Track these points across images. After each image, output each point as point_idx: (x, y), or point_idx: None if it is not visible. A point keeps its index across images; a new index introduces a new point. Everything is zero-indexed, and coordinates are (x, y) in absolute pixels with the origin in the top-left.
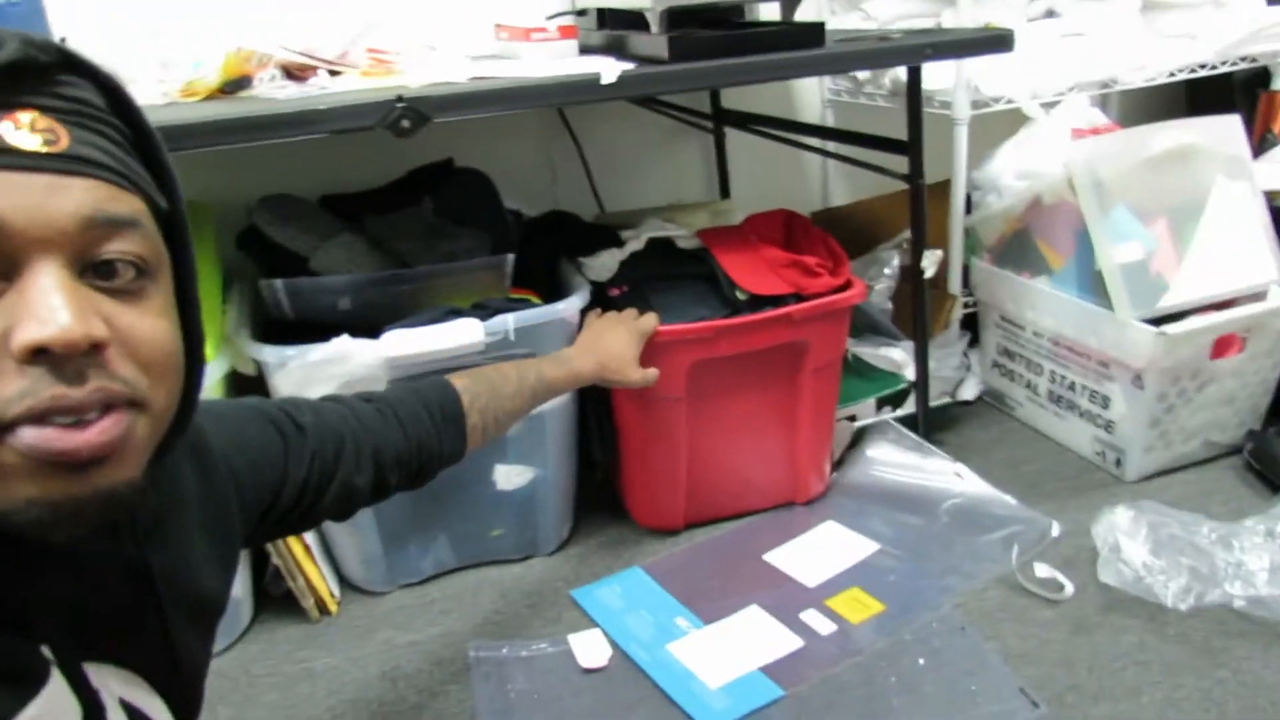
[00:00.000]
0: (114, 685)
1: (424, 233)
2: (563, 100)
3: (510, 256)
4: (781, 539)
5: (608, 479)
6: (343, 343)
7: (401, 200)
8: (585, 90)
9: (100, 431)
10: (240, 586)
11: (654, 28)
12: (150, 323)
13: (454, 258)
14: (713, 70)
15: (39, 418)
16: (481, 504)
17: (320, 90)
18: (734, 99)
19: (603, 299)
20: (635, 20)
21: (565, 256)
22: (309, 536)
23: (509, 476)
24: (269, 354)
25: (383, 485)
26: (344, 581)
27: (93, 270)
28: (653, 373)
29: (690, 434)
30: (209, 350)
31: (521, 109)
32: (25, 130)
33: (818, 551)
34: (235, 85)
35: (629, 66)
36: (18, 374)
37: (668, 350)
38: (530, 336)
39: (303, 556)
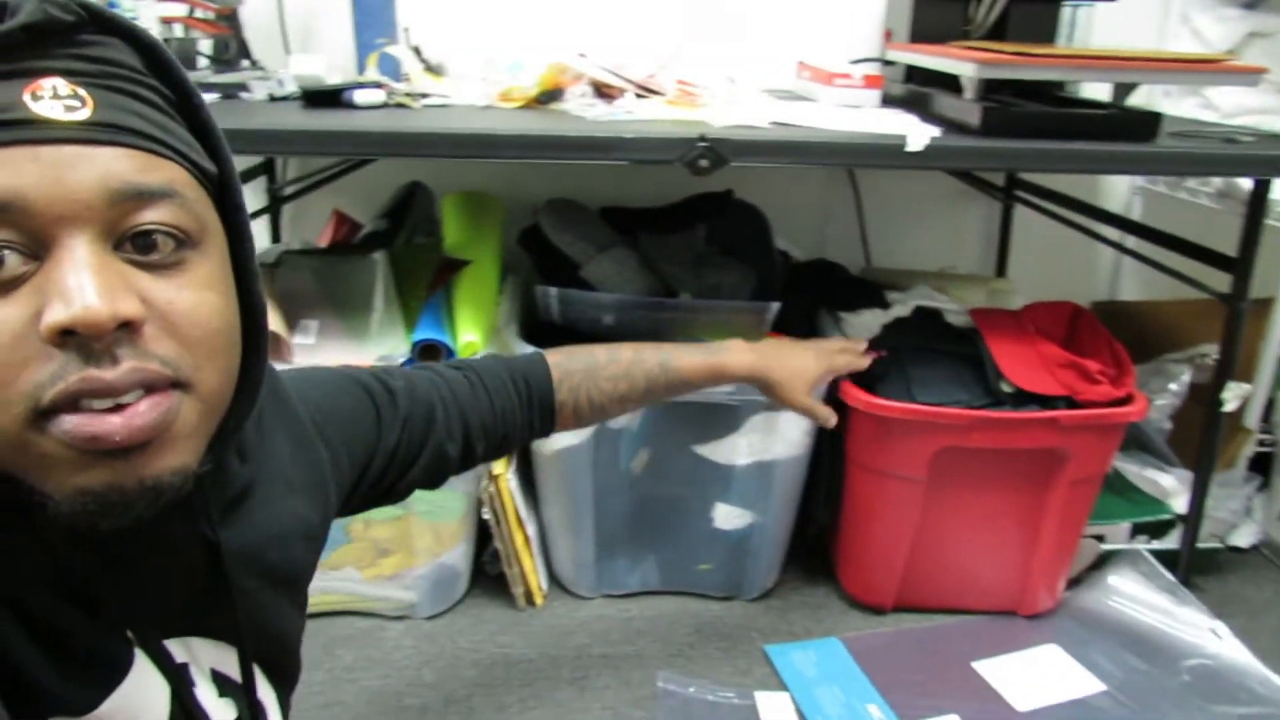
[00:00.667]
0: (203, 656)
1: (693, 260)
2: (862, 162)
3: (775, 306)
4: (995, 649)
5: (821, 539)
6: None
7: (677, 224)
8: (887, 155)
9: (137, 415)
10: (460, 560)
11: (968, 94)
12: (192, 296)
13: (719, 290)
14: (1027, 153)
15: (73, 403)
16: (696, 536)
17: (626, 114)
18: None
19: None
20: (946, 81)
21: (827, 308)
22: (530, 529)
23: (728, 516)
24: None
25: (470, 454)
26: (553, 578)
27: (130, 242)
28: (827, 411)
29: (921, 518)
30: (479, 339)
31: (819, 165)
32: (47, 98)
33: (1034, 674)
34: (549, 96)
35: (935, 132)
36: (49, 357)
37: (916, 430)
38: None
39: (522, 545)
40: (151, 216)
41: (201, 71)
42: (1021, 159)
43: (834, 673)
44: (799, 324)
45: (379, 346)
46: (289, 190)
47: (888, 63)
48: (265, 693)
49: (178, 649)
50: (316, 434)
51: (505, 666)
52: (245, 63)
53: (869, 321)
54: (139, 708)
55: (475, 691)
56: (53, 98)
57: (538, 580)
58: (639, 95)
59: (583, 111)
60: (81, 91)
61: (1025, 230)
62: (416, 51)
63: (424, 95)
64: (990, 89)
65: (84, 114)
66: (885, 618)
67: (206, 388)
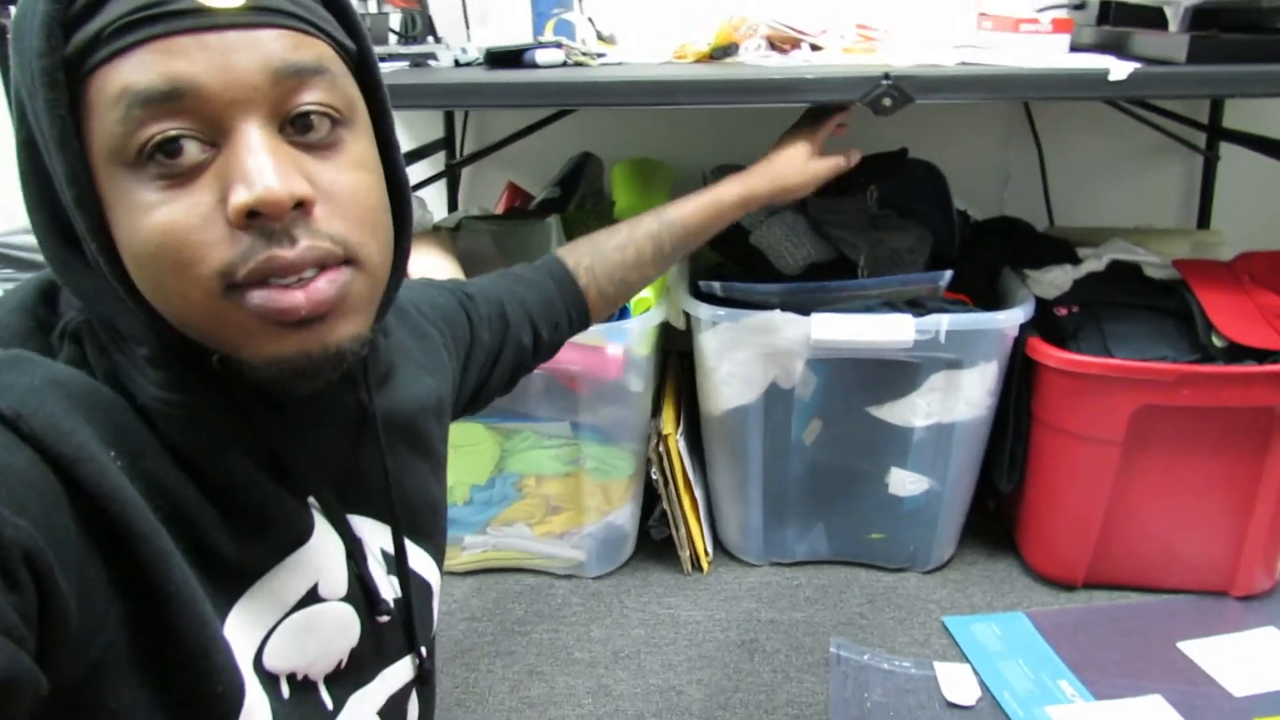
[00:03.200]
0: (369, 537)
1: (866, 222)
2: (1060, 94)
3: (948, 275)
4: (1203, 630)
5: (1002, 509)
6: (775, 315)
7: (849, 186)
8: (1087, 85)
9: (317, 290)
10: (628, 521)
11: (1172, 25)
12: (351, 176)
13: (896, 254)
14: (1242, 76)
15: (261, 280)
16: (868, 503)
17: (803, 63)
18: (1241, 116)
19: (1048, 317)
20: (1147, 17)
21: (1010, 267)
22: (698, 492)
23: (903, 482)
24: (704, 311)
25: (539, 343)
26: (718, 544)
27: (290, 125)
28: (846, 157)
29: (1117, 485)
30: (651, 296)
31: (1013, 99)
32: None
33: (1250, 657)
34: (723, 52)
35: (1137, 66)
36: (235, 239)
37: (1112, 387)
38: (962, 342)
39: (689, 509)
40: (309, 97)
41: (390, 45)
42: (1233, 83)
43: (1020, 647)
44: (980, 284)
45: None
46: (466, 163)
47: (1078, 6)
48: (426, 568)
49: (352, 524)
50: (427, 323)
51: (673, 626)
52: (430, 37)
53: (1058, 278)
54: (320, 570)
55: (642, 649)
56: None
57: (704, 544)
58: (814, 49)
59: (758, 63)
60: None
61: (1234, 182)
62: (590, 21)
63: (600, 54)
64: (1197, 23)
65: (241, 0)
66: (1075, 594)
67: (372, 262)
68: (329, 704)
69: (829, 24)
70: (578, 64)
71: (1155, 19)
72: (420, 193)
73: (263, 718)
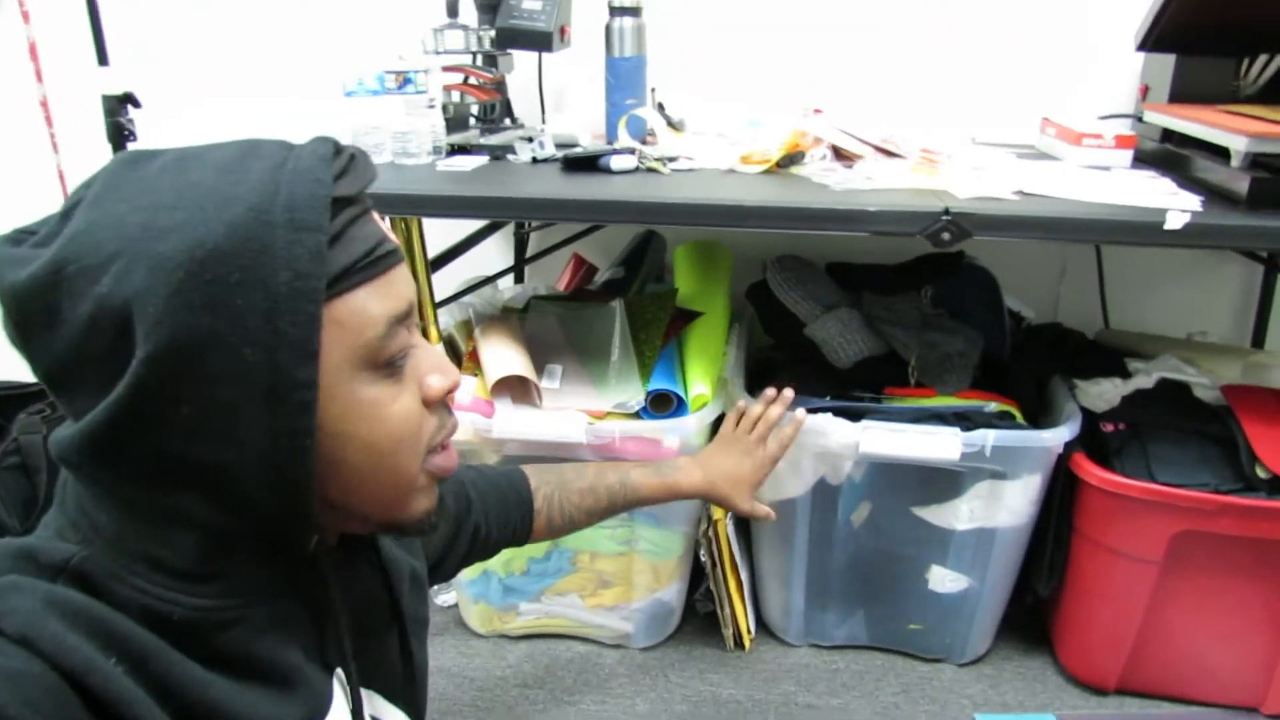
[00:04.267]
0: (380, 712)
1: (919, 322)
2: (1114, 239)
3: (993, 405)
4: None
5: (1039, 607)
6: (825, 420)
7: (903, 283)
8: (1142, 233)
9: (455, 450)
10: (675, 598)
11: (1235, 163)
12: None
13: (947, 358)
14: None
15: (441, 444)
16: (909, 595)
17: (867, 180)
18: None
19: (1094, 432)
20: (1209, 145)
21: (1060, 375)
22: (743, 572)
23: (943, 580)
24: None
25: (487, 539)
26: (761, 622)
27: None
28: (765, 510)
29: (1154, 600)
30: (709, 391)
31: (1067, 240)
32: (387, 229)
33: None
34: (789, 160)
35: (1196, 204)
36: (431, 415)
37: (1152, 510)
38: (1007, 457)
39: (734, 589)
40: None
41: (470, 131)
42: None
43: None
44: (1028, 388)
45: (616, 394)
46: (534, 237)
47: (1140, 119)
48: None
49: (365, 700)
50: None
51: (714, 706)
52: (508, 121)
53: (1107, 392)
54: None
55: None
56: (388, 229)
57: (747, 623)
58: (880, 154)
59: (824, 178)
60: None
61: None
62: (660, 108)
63: (672, 159)
64: (1258, 158)
65: (396, 241)
66: (1106, 699)
67: None
68: None
69: (895, 134)
70: (650, 169)
71: (1217, 147)
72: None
73: None
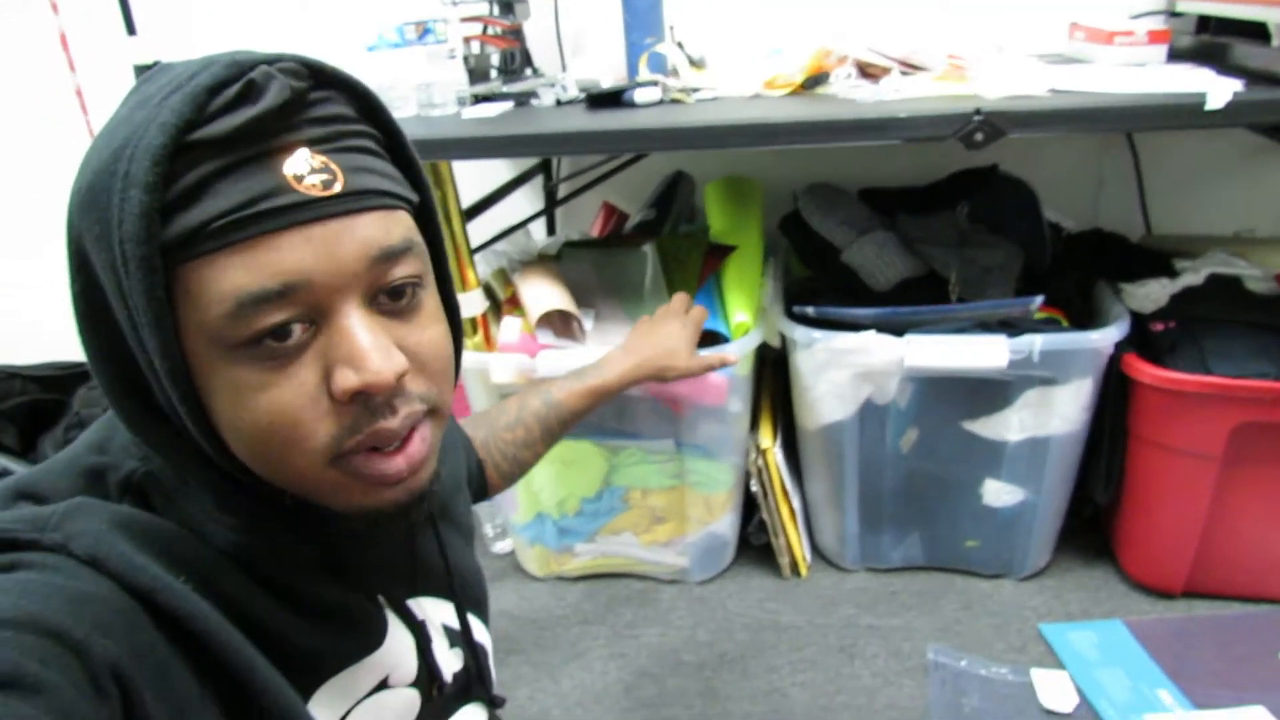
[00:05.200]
0: (432, 613)
1: (956, 239)
2: (1154, 124)
3: (1038, 300)
4: None
5: (1098, 516)
6: (868, 337)
7: (938, 202)
8: (1183, 115)
9: (413, 454)
10: (728, 530)
11: (1276, 39)
12: (431, 333)
13: (986, 272)
14: None
15: (363, 449)
16: (963, 513)
17: (894, 92)
18: None
19: (1144, 333)
20: (1248, 28)
21: (1104, 280)
22: (795, 500)
23: (998, 493)
24: (799, 334)
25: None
26: (816, 550)
27: (384, 295)
28: (711, 358)
29: (1216, 497)
30: (750, 319)
31: (1104, 132)
32: (306, 175)
33: None
34: (814, 81)
35: (1238, 85)
36: (340, 413)
37: (1210, 404)
38: (1056, 361)
39: (788, 517)
40: (399, 272)
41: (492, 83)
42: None
43: (1117, 655)
44: (1073, 298)
45: None
46: (564, 187)
47: (1175, 14)
48: (482, 634)
49: (415, 608)
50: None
51: (775, 631)
52: (529, 71)
53: (1154, 292)
54: (393, 665)
55: (748, 652)
56: (310, 174)
57: (802, 551)
58: (904, 73)
59: (850, 93)
60: (328, 162)
61: None
62: (680, 47)
63: (695, 90)
64: None
65: (337, 187)
66: (1174, 602)
67: (446, 404)
68: None
69: (920, 48)
70: (674, 100)
71: (1257, 31)
72: (517, 203)
73: None
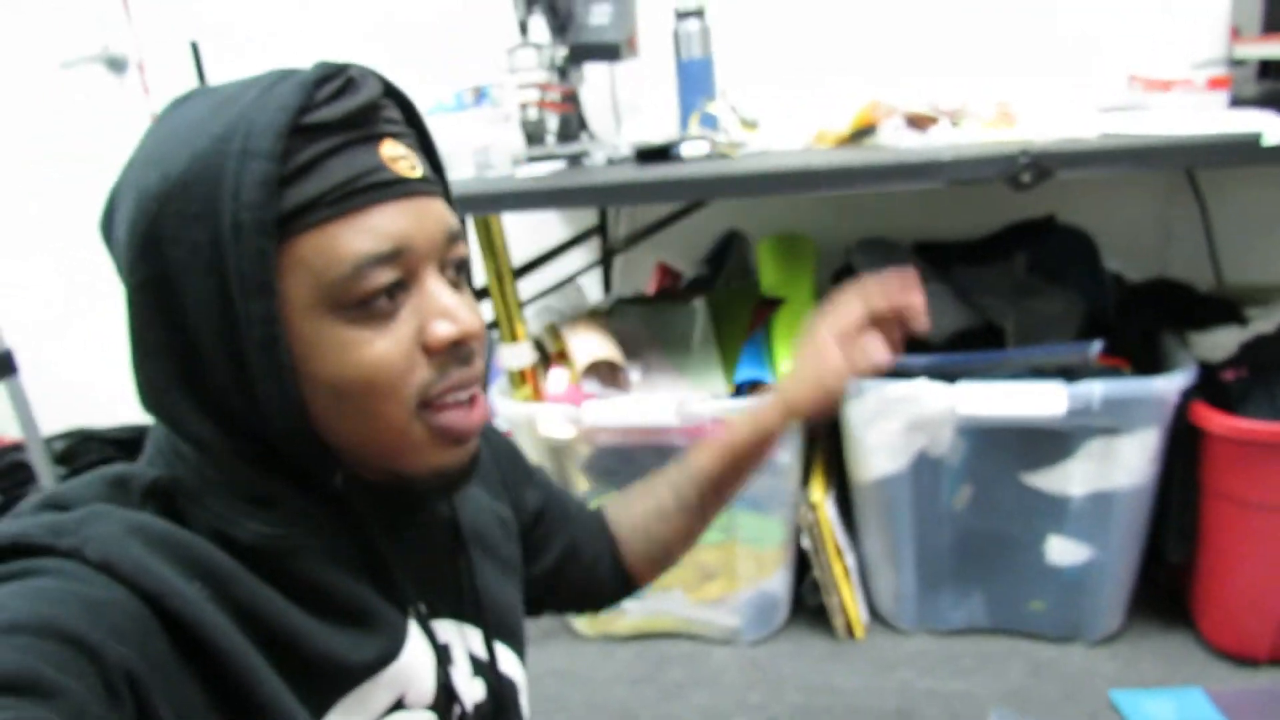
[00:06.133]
0: (458, 638)
1: (1012, 289)
2: (1205, 161)
3: (1097, 344)
4: None
5: (1175, 579)
6: (919, 385)
7: (994, 254)
8: (1237, 152)
9: (482, 411)
10: (781, 588)
11: None
12: (475, 308)
13: (1045, 321)
14: None
15: (441, 398)
16: (1027, 571)
17: (941, 142)
18: None
19: (1213, 382)
20: None
21: (1170, 329)
22: (849, 559)
23: (1063, 551)
24: (849, 382)
25: (581, 563)
26: (873, 611)
27: (450, 268)
28: (880, 353)
29: None
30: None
31: (1155, 169)
32: (399, 158)
33: None
34: (862, 133)
35: None
36: (431, 363)
37: None
38: (1118, 409)
39: (841, 576)
40: (459, 250)
41: (548, 145)
42: None
43: None
44: (1136, 348)
45: (699, 384)
46: (619, 250)
47: (1237, 63)
48: (512, 668)
49: (440, 629)
50: (485, 444)
51: (829, 694)
52: (584, 134)
53: (1223, 340)
54: (410, 682)
55: (799, 716)
56: (400, 158)
57: (858, 611)
58: (954, 124)
59: (896, 143)
60: (409, 151)
61: None
62: (733, 109)
63: (742, 144)
64: None
65: (419, 170)
66: (1259, 670)
67: (484, 386)
68: None
69: (969, 100)
70: (721, 155)
71: None
72: (578, 279)
73: None
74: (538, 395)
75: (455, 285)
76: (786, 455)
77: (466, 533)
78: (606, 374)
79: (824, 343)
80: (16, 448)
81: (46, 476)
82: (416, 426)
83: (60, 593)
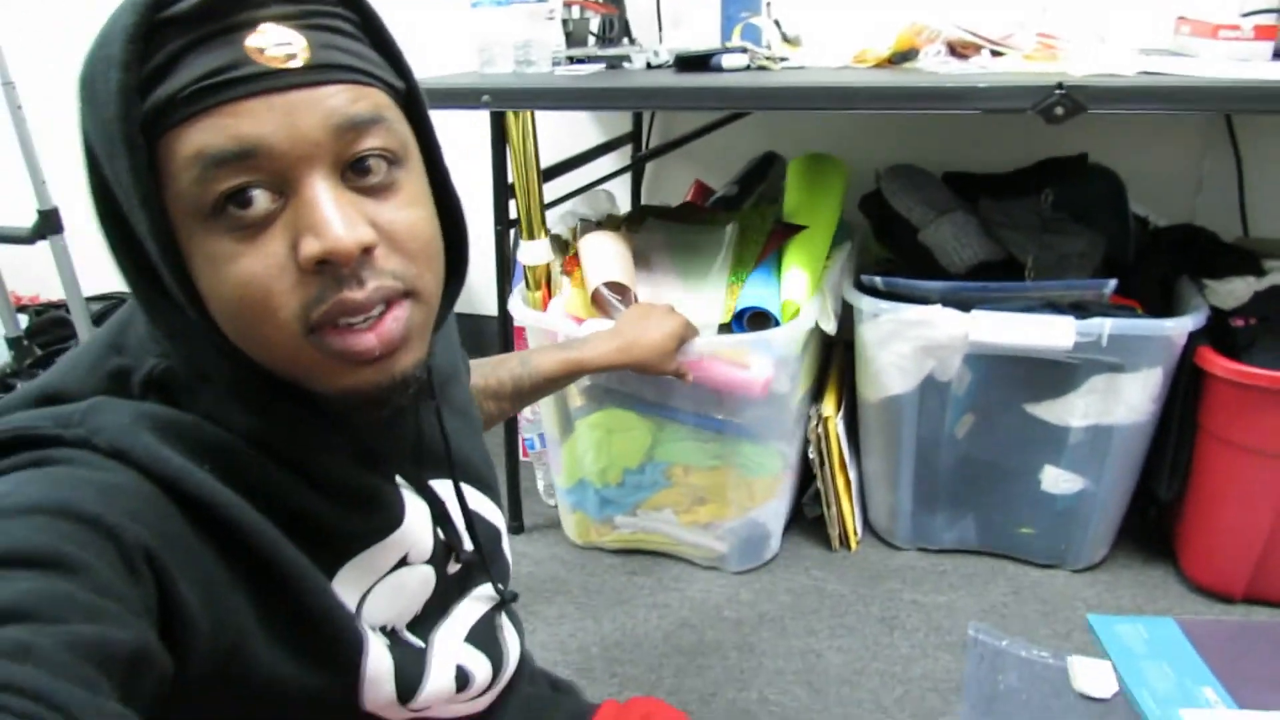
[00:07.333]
0: (448, 495)
1: (1037, 225)
2: (1241, 107)
3: (1112, 283)
4: None
5: (1162, 515)
6: (934, 311)
7: (1022, 188)
8: (1275, 100)
9: (385, 330)
10: (771, 519)
11: None
12: (408, 214)
13: (1065, 259)
14: None
15: (333, 321)
16: (1020, 498)
17: (980, 69)
18: None
19: (1223, 328)
20: None
21: (1188, 275)
22: (851, 472)
23: (1057, 480)
24: (865, 304)
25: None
26: (868, 527)
27: (350, 170)
28: (683, 365)
29: None
30: (802, 299)
31: (1190, 111)
32: (269, 48)
33: None
34: (902, 57)
35: None
36: (308, 284)
37: None
38: (1125, 347)
39: (843, 488)
40: (368, 143)
41: (589, 47)
42: None
43: (1165, 651)
44: (1153, 290)
45: (704, 314)
46: (651, 157)
47: None
48: (494, 516)
49: (432, 484)
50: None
51: (818, 596)
52: (626, 40)
53: (1238, 288)
54: (411, 543)
55: (788, 614)
56: (275, 46)
57: (854, 524)
58: (995, 54)
59: (936, 68)
60: (296, 35)
61: None
62: (777, 24)
63: (783, 59)
64: None
65: (301, 59)
66: (1232, 607)
67: (427, 291)
68: (419, 643)
69: (1014, 30)
70: (760, 68)
71: None
72: (607, 185)
73: (380, 656)
74: (548, 297)
75: (370, 191)
76: (786, 386)
77: (438, 393)
78: (617, 293)
79: (678, 333)
80: (58, 305)
81: (85, 336)
82: (307, 348)
83: (74, 478)
